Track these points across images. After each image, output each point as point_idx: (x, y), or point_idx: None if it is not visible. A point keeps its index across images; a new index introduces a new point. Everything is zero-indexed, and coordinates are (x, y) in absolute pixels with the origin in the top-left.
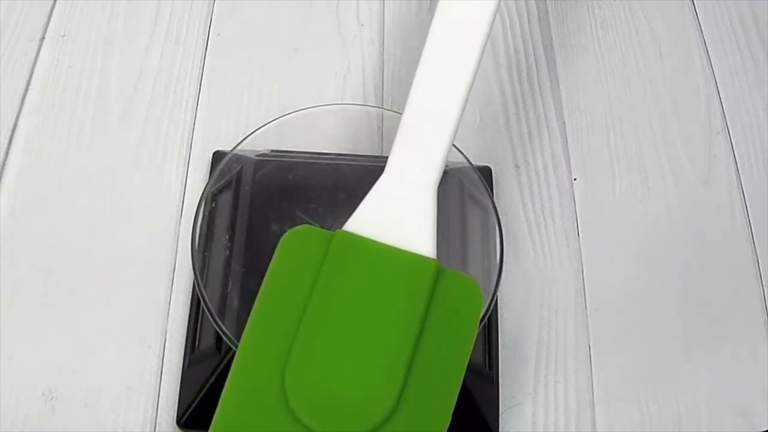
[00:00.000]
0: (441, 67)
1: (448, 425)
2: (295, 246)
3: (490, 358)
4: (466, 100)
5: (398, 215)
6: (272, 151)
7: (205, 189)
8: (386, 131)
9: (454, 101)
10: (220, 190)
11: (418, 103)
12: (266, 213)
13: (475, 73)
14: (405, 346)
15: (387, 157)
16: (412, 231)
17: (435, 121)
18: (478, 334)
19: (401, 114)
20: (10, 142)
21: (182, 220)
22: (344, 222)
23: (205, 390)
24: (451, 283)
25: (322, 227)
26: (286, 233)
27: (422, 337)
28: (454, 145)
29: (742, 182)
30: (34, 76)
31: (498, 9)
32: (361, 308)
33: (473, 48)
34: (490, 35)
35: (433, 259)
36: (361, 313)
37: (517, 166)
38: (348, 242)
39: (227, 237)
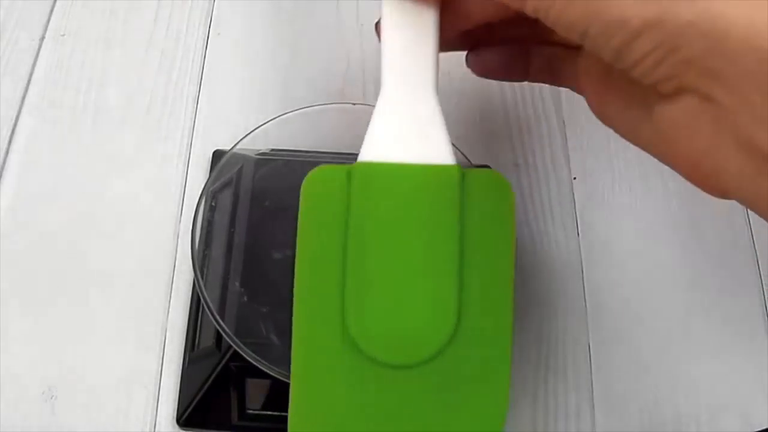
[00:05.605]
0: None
1: (512, 329)
2: (318, 187)
3: None
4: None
5: (407, 132)
6: (273, 149)
7: (205, 187)
8: None
9: (428, 14)
10: (221, 189)
11: (394, 24)
12: (266, 211)
13: None
14: (451, 258)
15: None
16: (424, 143)
17: (415, 37)
18: None
19: None
20: (10, 142)
21: (182, 218)
22: None
23: (205, 389)
24: (476, 182)
25: None
26: (306, 178)
27: (465, 244)
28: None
29: None
30: (34, 75)
31: None
32: (401, 232)
33: None
34: None
35: (454, 164)
36: (401, 237)
37: (517, 166)
38: (368, 171)
39: (227, 235)
